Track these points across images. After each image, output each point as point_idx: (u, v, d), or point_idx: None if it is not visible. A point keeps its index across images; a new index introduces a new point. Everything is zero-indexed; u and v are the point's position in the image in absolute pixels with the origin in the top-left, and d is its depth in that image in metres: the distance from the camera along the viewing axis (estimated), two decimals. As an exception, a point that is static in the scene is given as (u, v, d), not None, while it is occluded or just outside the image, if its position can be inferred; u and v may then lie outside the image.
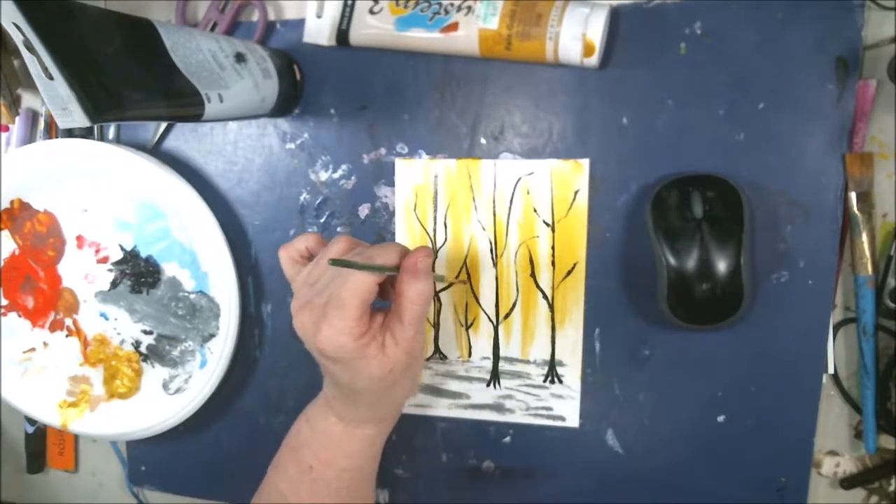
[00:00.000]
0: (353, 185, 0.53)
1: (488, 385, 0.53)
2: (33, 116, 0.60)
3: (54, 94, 0.35)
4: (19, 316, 0.61)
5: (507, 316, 0.52)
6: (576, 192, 0.49)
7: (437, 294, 0.53)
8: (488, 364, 0.52)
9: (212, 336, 0.56)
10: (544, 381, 0.52)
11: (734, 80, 0.45)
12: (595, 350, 0.50)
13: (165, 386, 0.58)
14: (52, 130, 0.60)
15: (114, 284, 0.58)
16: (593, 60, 0.45)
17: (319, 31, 0.50)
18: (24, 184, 0.57)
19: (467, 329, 0.52)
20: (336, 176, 0.53)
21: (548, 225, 0.50)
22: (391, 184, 0.52)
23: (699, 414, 0.49)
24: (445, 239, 0.52)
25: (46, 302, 0.60)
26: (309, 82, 0.52)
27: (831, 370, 0.47)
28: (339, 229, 0.54)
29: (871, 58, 0.44)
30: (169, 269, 0.56)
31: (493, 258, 0.51)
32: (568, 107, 0.48)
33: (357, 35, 0.49)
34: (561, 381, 0.51)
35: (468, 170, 0.50)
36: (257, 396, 0.58)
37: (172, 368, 0.58)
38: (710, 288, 0.45)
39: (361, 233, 0.53)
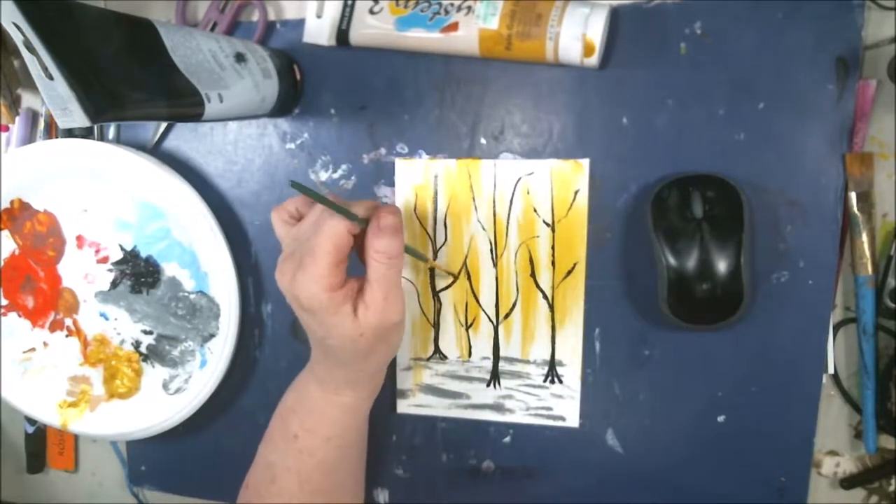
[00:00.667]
0: (353, 185, 0.53)
1: (488, 385, 0.53)
2: (33, 116, 0.60)
3: (54, 94, 0.35)
4: (19, 316, 0.61)
5: (507, 316, 0.52)
6: (576, 192, 0.49)
7: (437, 294, 0.53)
8: (488, 364, 0.52)
9: (212, 336, 0.56)
10: (544, 381, 0.52)
11: (734, 80, 0.45)
12: (595, 350, 0.50)
13: (165, 386, 0.58)
14: (52, 130, 0.60)
15: (114, 284, 0.58)
16: (593, 60, 0.45)
17: (319, 31, 0.50)
18: (24, 184, 0.57)
19: (467, 329, 0.52)
20: (336, 176, 0.53)
21: (548, 225, 0.50)
22: (391, 184, 0.52)
23: (699, 414, 0.49)
24: (445, 239, 0.52)
25: (46, 302, 0.60)
26: (309, 82, 0.52)
27: (831, 370, 0.47)
28: (339, 229, 0.54)
29: (871, 58, 0.44)
30: (169, 269, 0.56)
31: (493, 258, 0.51)
32: (568, 107, 0.48)
33: (357, 35, 0.49)
34: (561, 381, 0.51)
35: (468, 170, 0.50)
36: (257, 396, 0.58)
37: (172, 368, 0.58)
38: (710, 288, 0.45)
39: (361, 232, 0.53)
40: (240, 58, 0.45)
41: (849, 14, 0.43)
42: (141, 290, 0.57)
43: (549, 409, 0.52)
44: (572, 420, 0.52)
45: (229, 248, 0.54)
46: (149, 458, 0.63)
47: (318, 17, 0.49)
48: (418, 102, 0.51)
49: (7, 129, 0.60)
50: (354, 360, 0.43)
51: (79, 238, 0.58)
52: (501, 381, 0.53)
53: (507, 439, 0.54)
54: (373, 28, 0.48)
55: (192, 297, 0.56)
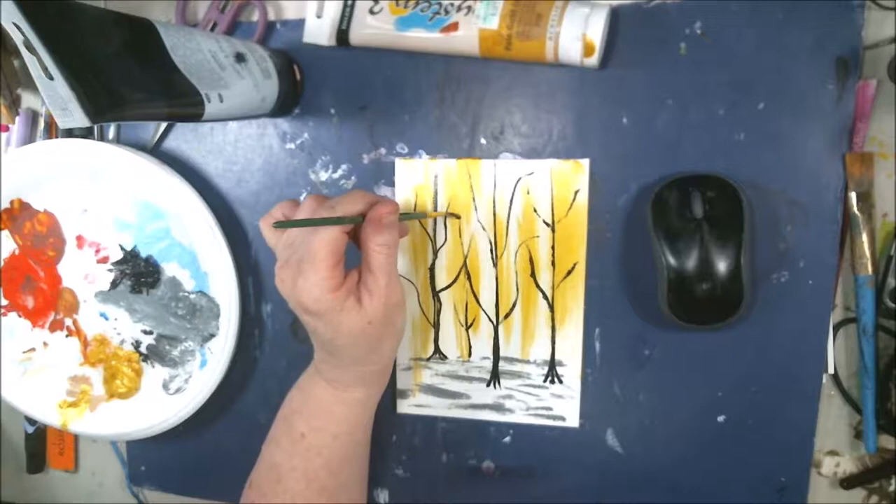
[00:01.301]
0: (354, 185, 0.53)
1: (488, 385, 0.53)
2: (33, 116, 0.60)
3: (54, 94, 0.35)
4: (19, 316, 0.61)
5: (507, 316, 0.52)
6: (576, 192, 0.49)
7: (437, 294, 0.53)
8: (488, 364, 0.52)
9: (212, 336, 0.56)
10: (544, 381, 0.52)
11: (734, 80, 0.45)
12: (595, 350, 0.50)
13: (165, 386, 0.58)
14: (52, 130, 0.60)
15: (114, 284, 0.58)
16: (593, 60, 0.45)
17: (319, 31, 0.50)
18: (24, 184, 0.57)
19: (467, 329, 0.52)
20: (336, 176, 0.53)
21: (548, 225, 0.50)
22: (391, 184, 0.52)
23: (699, 414, 0.49)
24: (445, 239, 0.52)
25: (46, 302, 0.60)
26: (309, 82, 0.52)
27: (831, 370, 0.47)
28: (339, 229, 0.54)
29: (871, 58, 0.44)
30: (169, 269, 0.56)
31: (493, 258, 0.51)
32: (568, 107, 0.48)
33: (357, 35, 0.49)
34: (561, 381, 0.51)
35: (468, 170, 0.50)
36: (257, 396, 0.58)
37: (172, 368, 0.58)
38: (710, 288, 0.45)
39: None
40: (240, 58, 0.45)
41: (849, 14, 0.43)
42: (141, 290, 0.57)
43: (549, 409, 0.52)
44: (572, 420, 0.52)
45: (229, 248, 0.54)
46: (149, 458, 0.63)
47: (318, 17, 0.49)
48: (418, 102, 0.51)
49: (7, 129, 0.60)
50: (366, 352, 0.43)
51: (79, 238, 0.58)
52: (501, 381, 0.53)
53: (507, 439, 0.54)
54: (373, 28, 0.48)
55: (192, 297, 0.56)
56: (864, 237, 0.45)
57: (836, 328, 0.47)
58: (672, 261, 0.46)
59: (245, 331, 0.57)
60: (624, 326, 0.50)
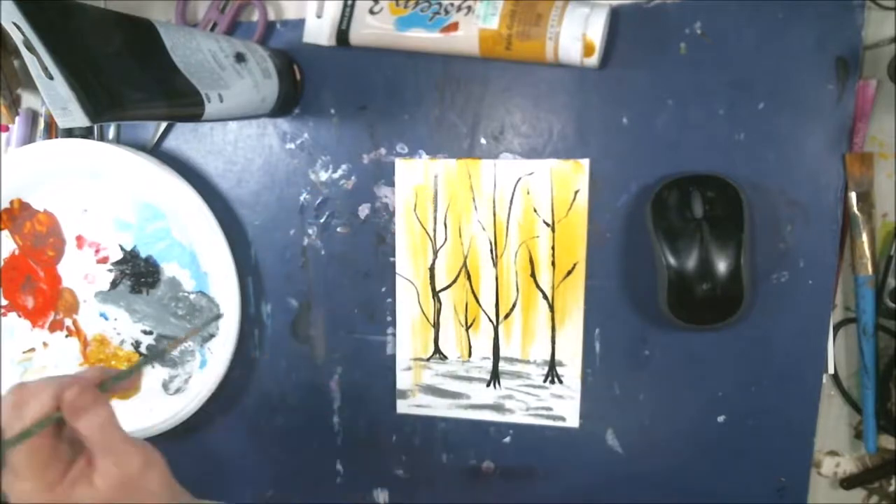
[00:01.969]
0: (353, 185, 0.53)
1: (488, 385, 0.53)
2: (33, 116, 0.60)
3: (54, 94, 0.34)
4: (19, 316, 0.61)
5: (507, 316, 0.52)
6: (576, 192, 0.49)
7: (437, 294, 0.53)
8: (488, 364, 0.52)
9: (212, 336, 0.56)
10: (544, 381, 0.52)
11: (734, 80, 0.45)
12: (595, 350, 0.50)
13: (165, 386, 0.58)
14: (52, 130, 0.60)
15: (114, 284, 0.58)
16: (593, 60, 0.45)
17: (319, 31, 0.49)
18: (24, 184, 0.57)
19: (467, 329, 0.52)
20: (336, 176, 0.53)
21: (548, 225, 0.50)
22: (391, 184, 0.52)
23: (699, 414, 0.49)
24: (445, 239, 0.52)
25: (46, 302, 0.60)
26: (309, 82, 0.52)
27: (831, 370, 0.47)
28: (339, 229, 0.54)
29: (871, 58, 0.44)
30: (169, 269, 0.56)
31: (493, 258, 0.51)
32: (568, 107, 0.48)
33: (357, 35, 0.49)
34: (561, 381, 0.51)
35: (468, 170, 0.50)
36: (257, 396, 0.58)
37: (172, 368, 0.58)
38: (710, 288, 0.45)
39: (362, 233, 0.53)
40: (240, 58, 0.45)
41: (849, 14, 0.43)
42: (141, 290, 0.57)
43: (549, 409, 0.52)
44: (572, 420, 0.52)
45: (229, 248, 0.54)
46: (149, 458, 0.63)
47: (318, 17, 0.49)
48: (418, 102, 0.51)
49: (7, 129, 0.60)
50: None
51: (79, 238, 0.58)
52: (501, 381, 0.53)
53: (507, 439, 0.54)
54: (373, 28, 0.48)
55: (192, 297, 0.56)
56: (864, 237, 0.45)
57: (836, 328, 0.47)
58: (672, 261, 0.46)
59: (245, 331, 0.57)
60: (624, 326, 0.50)
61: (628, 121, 0.47)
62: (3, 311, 0.61)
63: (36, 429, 0.35)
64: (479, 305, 0.52)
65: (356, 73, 0.51)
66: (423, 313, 0.53)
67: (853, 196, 0.44)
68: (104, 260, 0.58)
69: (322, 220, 0.54)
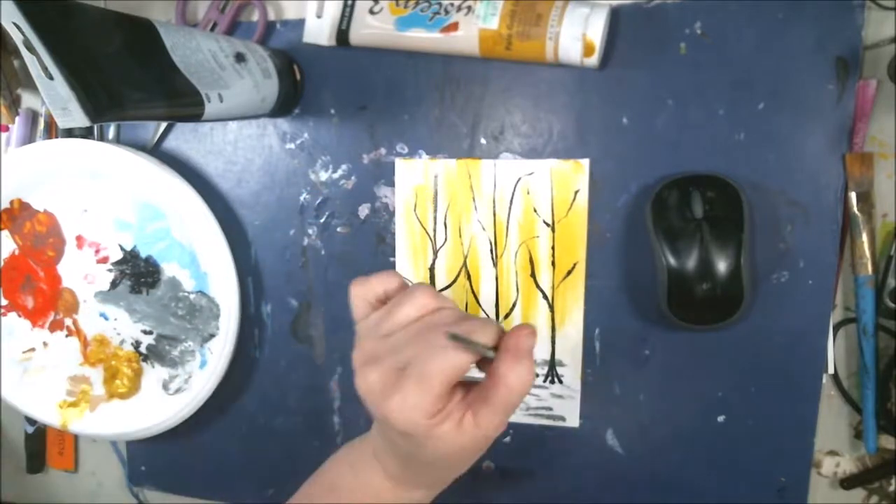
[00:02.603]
0: (353, 185, 0.53)
1: (488, 385, 0.53)
2: (33, 116, 0.60)
3: (54, 94, 0.35)
4: (19, 316, 0.61)
5: (507, 316, 0.52)
6: (576, 192, 0.49)
7: (437, 294, 0.53)
8: (488, 364, 0.52)
9: (212, 336, 0.56)
10: (544, 381, 0.52)
11: (734, 80, 0.45)
12: (595, 350, 0.50)
13: (165, 386, 0.58)
14: (52, 130, 0.60)
15: (114, 284, 0.58)
16: (593, 60, 0.45)
17: (319, 31, 0.50)
18: (24, 184, 0.57)
19: (467, 329, 0.52)
20: (336, 176, 0.53)
21: (548, 225, 0.50)
22: (391, 184, 0.52)
23: (699, 414, 0.49)
24: (445, 239, 0.52)
25: (46, 302, 0.60)
26: (309, 82, 0.52)
27: (831, 370, 0.47)
28: (339, 229, 0.54)
29: (871, 58, 0.44)
30: (169, 269, 0.56)
31: (493, 258, 0.51)
32: (568, 107, 0.48)
33: (357, 35, 0.49)
34: (561, 381, 0.51)
35: (468, 170, 0.50)
36: (257, 396, 0.58)
37: (172, 368, 0.58)
38: (710, 288, 0.45)
39: (362, 233, 0.53)
40: (240, 58, 0.45)
41: (849, 14, 0.43)
42: (141, 290, 0.57)
43: (549, 409, 0.52)
44: (572, 420, 0.52)
45: (229, 248, 0.54)
46: (149, 458, 0.63)
47: (318, 17, 0.49)
48: (418, 102, 0.51)
49: (7, 129, 0.60)
50: (445, 470, 0.39)
51: (79, 238, 0.58)
52: (501, 381, 0.52)
53: (507, 439, 0.54)
54: (373, 28, 0.48)
55: (192, 297, 0.56)
56: (864, 237, 0.45)
57: (836, 328, 0.47)
58: (672, 261, 0.46)
59: (245, 331, 0.57)
60: (624, 326, 0.50)
61: (628, 121, 0.47)
62: (3, 311, 0.61)
63: (479, 348, 0.33)
64: (479, 305, 0.52)
65: (356, 73, 0.51)
66: (423, 313, 0.53)
67: (853, 196, 0.44)
68: (104, 260, 0.58)
69: (322, 220, 0.54)
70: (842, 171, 0.44)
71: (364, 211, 0.53)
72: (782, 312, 0.47)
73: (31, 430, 0.66)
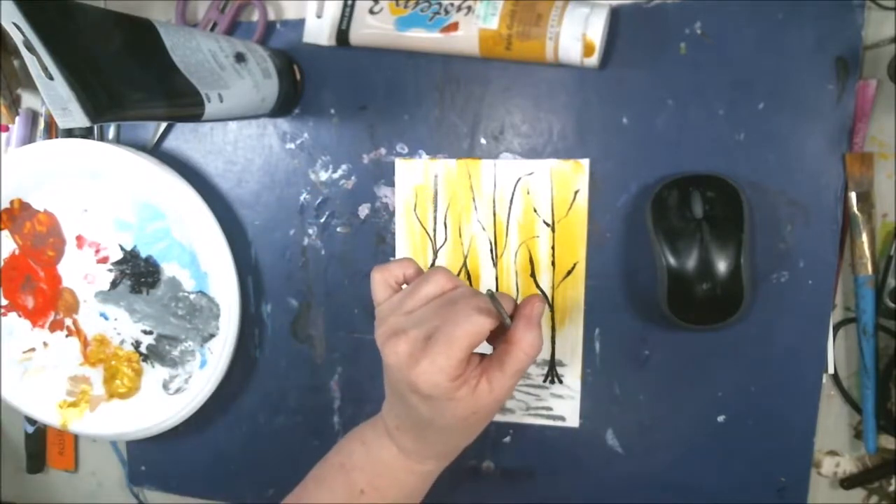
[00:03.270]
0: (353, 185, 0.53)
1: (488, 385, 0.53)
2: (33, 116, 0.60)
3: (54, 94, 0.35)
4: (19, 316, 0.61)
5: (507, 316, 0.51)
6: (576, 192, 0.49)
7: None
8: (488, 364, 0.52)
9: (212, 336, 0.56)
10: (544, 381, 0.52)
11: (734, 80, 0.45)
12: (595, 350, 0.50)
13: (165, 386, 0.58)
14: (52, 130, 0.60)
15: (114, 284, 0.58)
16: (593, 60, 0.45)
17: (319, 31, 0.50)
18: (24, 184, 0.57)
19: (467, 329, 0.52)
20: (336, 176, 0.53)
21: (548, 225, 0.50)
22: (391, 184, 0.52)
23: (699, 414, 0.49)
24: (445, 239, 0.52)
25: (46, 302, 0.60)
26: (309, 82, 0.52)
27: (831, 370, 0.47)
28: (338, 229, 0.54)
29: (871, 58, 0.44)
30: (169, 269, 0.56)
31: (493, 258, 0.51)
32: (568, 107, 0.48)
33: (357, 35, 0.49)
34: (561, 381, 0.51)
35: (468, 170, 0.50)
36: (257, 396, 0.58)
37: (172, 368, 0.58)
38: (710, 288, 0.45)
39: (362, 233, 0.53)
40: (240, 58, 0.45)
41: (849, 14, 0.43)
42: (141, 290, 0.57)
43: (549, 408, 0.52)
44: (572, 420, 0.52)
45: (229, 248, 0.54)
46: (149, 458, 0.63)
47: (318, 17, 0.49)
48: (418, 102, 0.51)
49: (7, 129, 0.60)
50: (458, 436, 0.42)
51: (79, 238, 0.58)
52: (501, 381, 0.52)
53: (507, 439, 0.54)
54: (373, 28, 0.48)
55: (192, 297, 0.56)
56: (864, 237, 0.45)
57: (836, 328, 0.47)
58: (672, 261, 0.46)
59: (245, 331, 0.57)
60: (624, 326, 0.50)
61: (628, 121, 0.47)
62: (3, 311, 0.61)
63: (503, 312, 0.37)
64: (479, 305, 0.52)
65: (356, 73, 0.51)
66: (423, 313, 0.53)
67: (853, 196, 0.44)
68: (104, 260, 0.58)
69: (322, 220, 0.54)
70: (842, 171, 0.44)
71: (364, 211, 0.53)
72: (782, 312, 0.47)
73: (31, 430, 0.66)
